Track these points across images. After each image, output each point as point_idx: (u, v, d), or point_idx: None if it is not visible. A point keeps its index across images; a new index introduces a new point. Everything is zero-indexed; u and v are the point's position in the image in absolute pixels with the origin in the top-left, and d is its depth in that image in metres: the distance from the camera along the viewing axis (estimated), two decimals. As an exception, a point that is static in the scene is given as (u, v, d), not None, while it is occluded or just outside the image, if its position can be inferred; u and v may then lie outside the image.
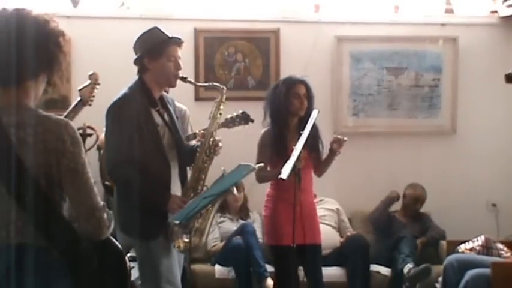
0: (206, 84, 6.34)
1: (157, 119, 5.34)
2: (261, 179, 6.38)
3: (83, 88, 5.73)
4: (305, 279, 6.68)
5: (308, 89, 6.53)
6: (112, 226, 3.67)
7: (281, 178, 5.79)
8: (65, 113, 5.27)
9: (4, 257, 3.23)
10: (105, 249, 3.55)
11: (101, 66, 7.80)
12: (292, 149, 5.99)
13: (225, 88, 5.60)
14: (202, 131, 5.97)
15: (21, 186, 3.23)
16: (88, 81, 6.04)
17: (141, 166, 5.19)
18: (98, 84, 6.22)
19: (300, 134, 5.92)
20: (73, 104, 5.39)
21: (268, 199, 6.54)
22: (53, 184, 3.32)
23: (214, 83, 5.83)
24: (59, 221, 3.34)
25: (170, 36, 5.38)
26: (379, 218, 8.20)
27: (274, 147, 6.36)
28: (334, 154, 6.33)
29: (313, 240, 6.48)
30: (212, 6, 8.45)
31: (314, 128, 6.34)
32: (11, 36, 3.26)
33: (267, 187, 6.71)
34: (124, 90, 5.39)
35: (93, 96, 6.19)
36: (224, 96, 5.55)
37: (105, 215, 3.45)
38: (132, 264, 6.11)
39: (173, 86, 5.53)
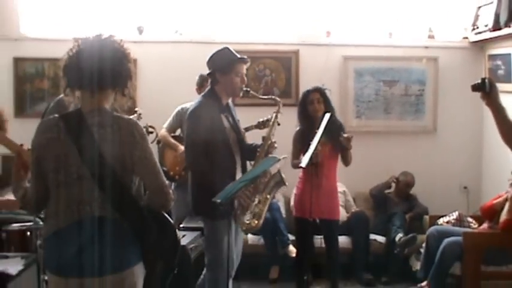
0: (266, 97, 5.95)
1: (226, 123, 5.27)
2: (293, 166, 6.40)
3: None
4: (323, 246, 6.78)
5: (322, 94, 6.57)
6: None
7: (300, 166, 5.92)
8: None
9: (89, 226, 3.31)
10: (162, 222, 3.65)
11: (160, 79, 8.00)
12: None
13: (281, 102, 5.58)
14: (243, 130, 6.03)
15: (101, 172, 3.32)
16: (135, 115, 5.99)
17: (213, 160, 5.15)
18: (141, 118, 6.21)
19: (316, 133, 5.93)
20: None
21: (299, 181, 6.65)
22: (126, 170, 3.39)
23: (273, 97, 5.80)
24: (129, 199, 3.43)
25: (239, 56, 5.30)
26: (376, 194, 8.27)
27: (301, 143, 6.38)
28: (346, 149, 6.39)
29: (332, 215, 6.60)
30: (246, 32, 8.50)
31: (338, 126, 6.50)
32: (100, 56, 3.38)
33: (289, 174, 6.87)
34: (199, 98, 5.39)
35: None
36: (281, 108, 5.55)
37: (170, 191, 3.55)
38: (183, 232, 6.26)
39: (238, 96, 5.41)
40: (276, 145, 5.41)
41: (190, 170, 5.42)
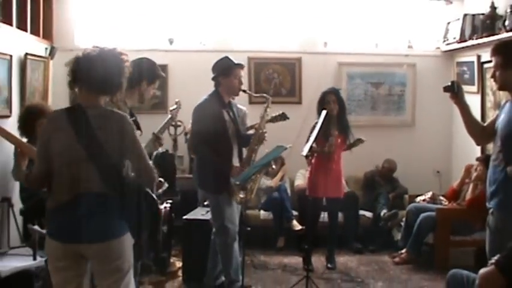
0: (258, 94, 6.16)
1: (226, 117, 5.41)
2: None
3: (173, 110, 5.65)
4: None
5: (335, 95, 6.64)
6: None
7: (301, 155, 5.99)
8: (158, 129, 4.72)
9: (88, 200, 3.33)
10: (147, 199, 3.81)
11: (187, 82, 7.96)
12: (330, 135, 6.28)
13: (270, 98, 5.69)
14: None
15: (98, 155, 3.35)
16: (175, 105, 5.90)
17: (214, 147, 5.31)
18: (180, 107, 6.12)
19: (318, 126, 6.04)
20: (165, 121, 5.19)
21: (312, 166, 6.71)
22: (117, 155, 3.40)
23: (263, 94, 5.88)
24: (120, 178, 3.44)
25: (236, 62, 5.50)
26: (369, 176, 8.25)
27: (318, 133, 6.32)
28: (352, 145, 6.72)
29: (337, 194, 6.73)
30: (258, 43, 8.52)
31: (346, 122, 6.65)
32: (100, 66, 3.38)
33: (294, 160, 6.92)
34: (205, 96, 5.51)
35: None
36: (270, 103, 5.64)
37: (154, 171, 3.55)
38: (206, 209, 6.28)
39: (237, 95, 5.62)
40: (266, 135, 5.51)
41: (193, 154, 5.62)
